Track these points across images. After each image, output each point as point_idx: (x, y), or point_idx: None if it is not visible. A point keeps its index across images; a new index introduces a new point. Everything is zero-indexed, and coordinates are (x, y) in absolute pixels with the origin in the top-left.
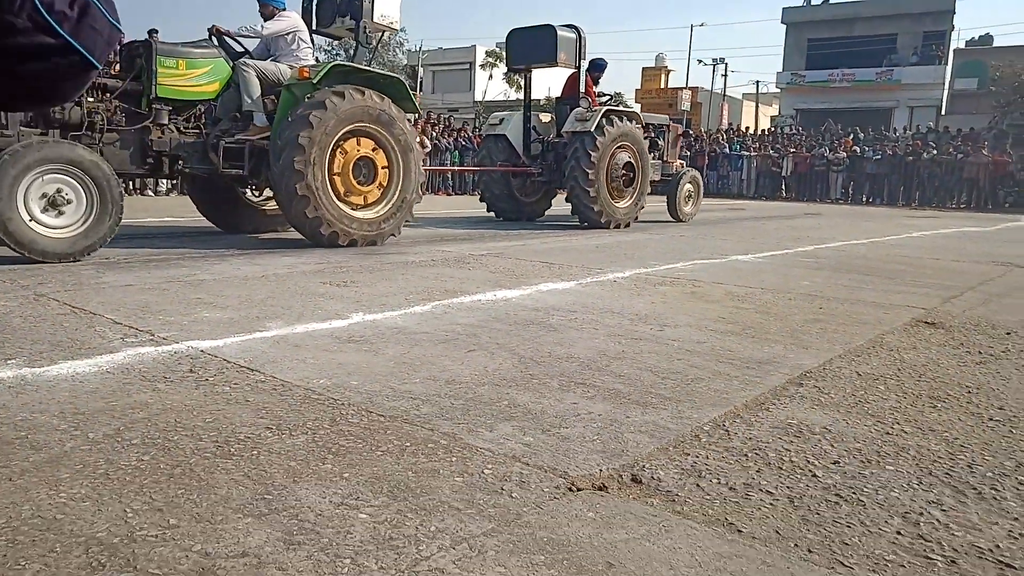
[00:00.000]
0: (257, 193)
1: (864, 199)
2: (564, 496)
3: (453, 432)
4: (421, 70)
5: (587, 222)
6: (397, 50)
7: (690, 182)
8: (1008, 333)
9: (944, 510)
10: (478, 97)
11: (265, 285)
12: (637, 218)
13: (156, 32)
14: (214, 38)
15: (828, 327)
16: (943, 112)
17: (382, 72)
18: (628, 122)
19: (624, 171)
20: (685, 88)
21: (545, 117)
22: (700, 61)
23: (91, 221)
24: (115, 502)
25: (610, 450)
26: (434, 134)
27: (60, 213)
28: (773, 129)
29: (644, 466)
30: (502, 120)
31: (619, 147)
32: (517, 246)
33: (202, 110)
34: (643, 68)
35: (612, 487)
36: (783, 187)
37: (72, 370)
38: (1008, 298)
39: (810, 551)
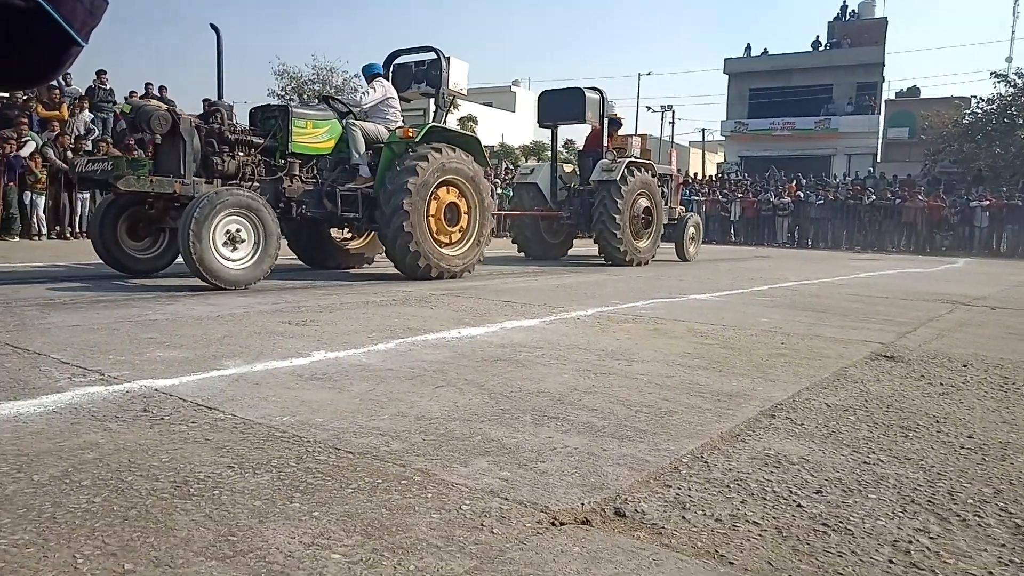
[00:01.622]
0: (348, 234)
1: (809, 242)
2: (547, 531)
3: (426, 468)
4: None
5: (612, 261)
6: (353, 96)
7: (693, 226)
8: (965, 365)
9: (932, 537)
10: None
11: (221, 324)
12: (654, 256)
13: (293, 101)
14: (326, 102)
15: (792, 361)
16: (879, 159)
17: (463, 132)
18: (645, 172)
19: (644, 215)
20: (635, 135)
21: (567, 167)
22: (649, 108)
23: (259, 254)
24: (63, 547)
25: (590, 483)
26: None
27: (236, 248)
28: (721, 175)
29: (627, 499)
30: (532, 170)
31: (639, 194)
32: (478, 286)
33: (316, 162)
34: None
35: (596, 521)
36: (732, 231)
37: (15, 411)
38: (959, 333)
39: None
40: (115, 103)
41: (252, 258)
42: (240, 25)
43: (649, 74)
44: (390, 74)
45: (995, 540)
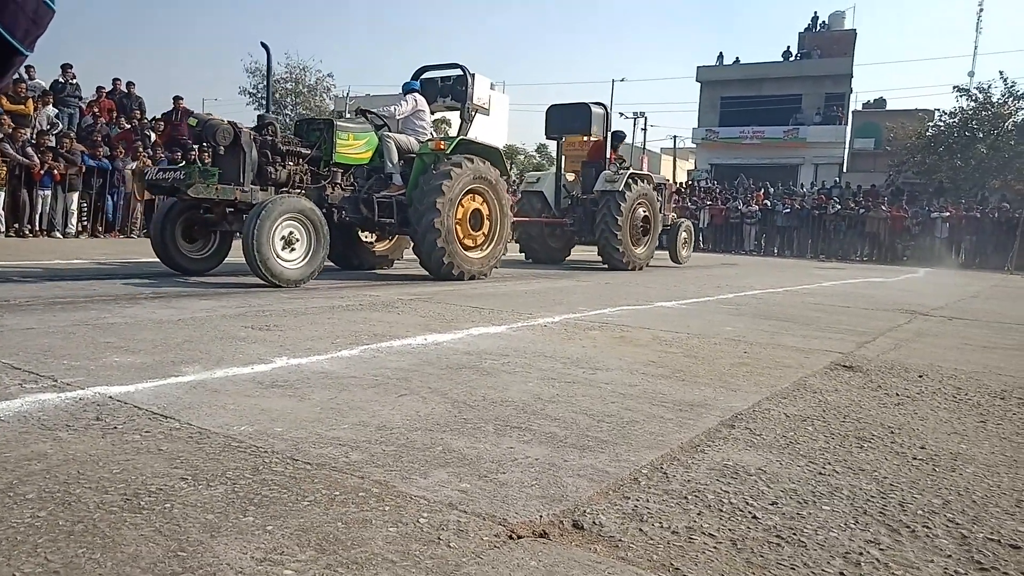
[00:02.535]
0: (373, 237)
1: (776, 251)
2: (504, 544)
3: (385, 480)
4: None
5: (612, 265)
6: (324, 95)
7: (685, 231)
8: (920, 376)
9: (882, 549)
10: None
11: (182, 329)
12: (649, 262)
13: (339, 115)
14: (363, 115)
15: (754, 370)
16: (845, 170)
17: (486, 144)
18: (645, 183)
19: (642, 223)
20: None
21: (570, 176)
22: (621, 114)
23: (311, 254)
24: (2, 566)
25: (550, 495)
26: None
27: (292, 249)
28: (691, 183)
29: (585, 511)
30: (538, 179)
31: (639, 204)
32: (446, 291)
33: (352, 171)
34: None
35: (553, 534)
36: (700, 238)
37: None
38: (916, 343)
39: None
40: (81, 98)
41: (306, 258)
42: (215, 25)
43: (623, 80)
44: (405, 87)
45: (942, 551)
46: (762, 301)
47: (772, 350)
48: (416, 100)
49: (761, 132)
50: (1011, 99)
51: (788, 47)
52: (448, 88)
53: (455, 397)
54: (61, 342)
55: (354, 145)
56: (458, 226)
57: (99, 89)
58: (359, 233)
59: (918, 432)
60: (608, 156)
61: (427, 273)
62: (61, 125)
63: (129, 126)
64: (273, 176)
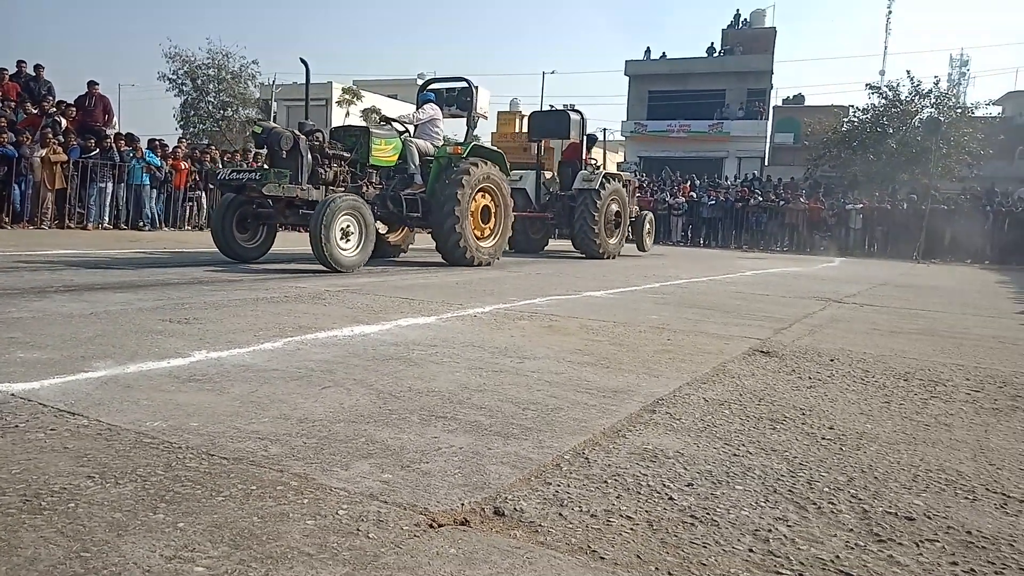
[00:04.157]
0: (385, 228)
1: (701, 241)
2: (424, 534)
3: (305, 472)
4: (274, 104)
5: (588, 255)
6: (249, 83)
7: (648, 223)
8: (832, 360)
9: (790, 526)
10: None
11: (94, 323)
12: (620, 251)
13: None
14: (388, 122)
15: (676, 357)
16: (767, 163)
17: (492, 148)
18: (616, 182)
19: (615, 217)
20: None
21: (547, 174)
22: (552, 106)
23: (363, 244)
24: None
25: (472, 483)
26: None
27: (348, 240)
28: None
29: (507, 498)
30: (520, 177)
31: (612, 200)
32: (376, 282)
33: (379, 172)
34: (499, 112)
35: (474, 521)
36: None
37: None
38: (829, 328)
39: (670, 573)
40: None
41: (359, 247)
42: (127, 5)
43: (553, 72)
44: (420, 97)
45: (844, 526)
46: (687, 290)
47: (694, 337)
48: (434, 110)
49: (688, 126)
50: (917, 97)
51: (712, 43)
52: (453, 98)
53: (380, 388)
54: None
55: (385, 149)
56: (471, 220)
57: (1, 72)
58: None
59: (827, 413)
60: (583, 157)
61: (442, 260)
62: None
63: (36, 111)
64: (323, 176)
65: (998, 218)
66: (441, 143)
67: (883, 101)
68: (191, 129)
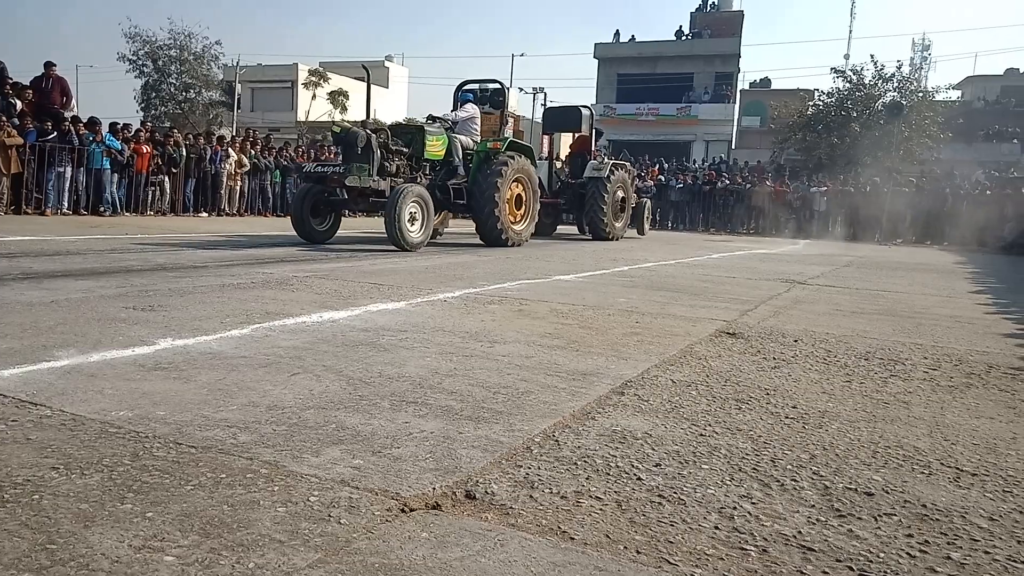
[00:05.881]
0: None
1: (669, 224)
2: (396, 518)
3: (275, 460)
4: (239, 86)
5: (597, 237)
6: (212, 64)
7: (647, 208)
8: (795, 340)
9: (754, 503)
10: (300, 117)
11: (55, 311)
12: (624, 233)
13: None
14: (434, 120)
15: (644, 339)
16: (734, 146)
17: (524, 143)
18: (622, 171)
19: (620, 203)
20: (511, 117)
21: (558, 164)
22: (521, 89)
23: (425, 226)
24: None
25: (443, 467)
26: (253, 153)
27: (413, 224)
28: None
29: (478, 481)
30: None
31: (618, 187)
32: (344, 267)
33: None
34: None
35: (446, 505)
36: None
37: None
38: (793, 310)
39: (638, 552)
40: None
41: (423, 229)
42: None
43: (523, 55)
44: (459, 96)
45: (806, 502)
46: (655, 273)
47: (662, 320)
48: (475, 108)
49: (656, 109)
50: (880, 81)
51: (680, 26)
52: (486, 97)
53: (350, 374)
54: None
55: (436, 144)
56: (507, 206)
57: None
58: None
59: (791, 393)
60: (592, 148)
61: (481, 241)
62: None
63: None
64: (388, 169)
65: (957, 200)
66: (479, 138)
67: (848, 85)
68: (152, 111)
